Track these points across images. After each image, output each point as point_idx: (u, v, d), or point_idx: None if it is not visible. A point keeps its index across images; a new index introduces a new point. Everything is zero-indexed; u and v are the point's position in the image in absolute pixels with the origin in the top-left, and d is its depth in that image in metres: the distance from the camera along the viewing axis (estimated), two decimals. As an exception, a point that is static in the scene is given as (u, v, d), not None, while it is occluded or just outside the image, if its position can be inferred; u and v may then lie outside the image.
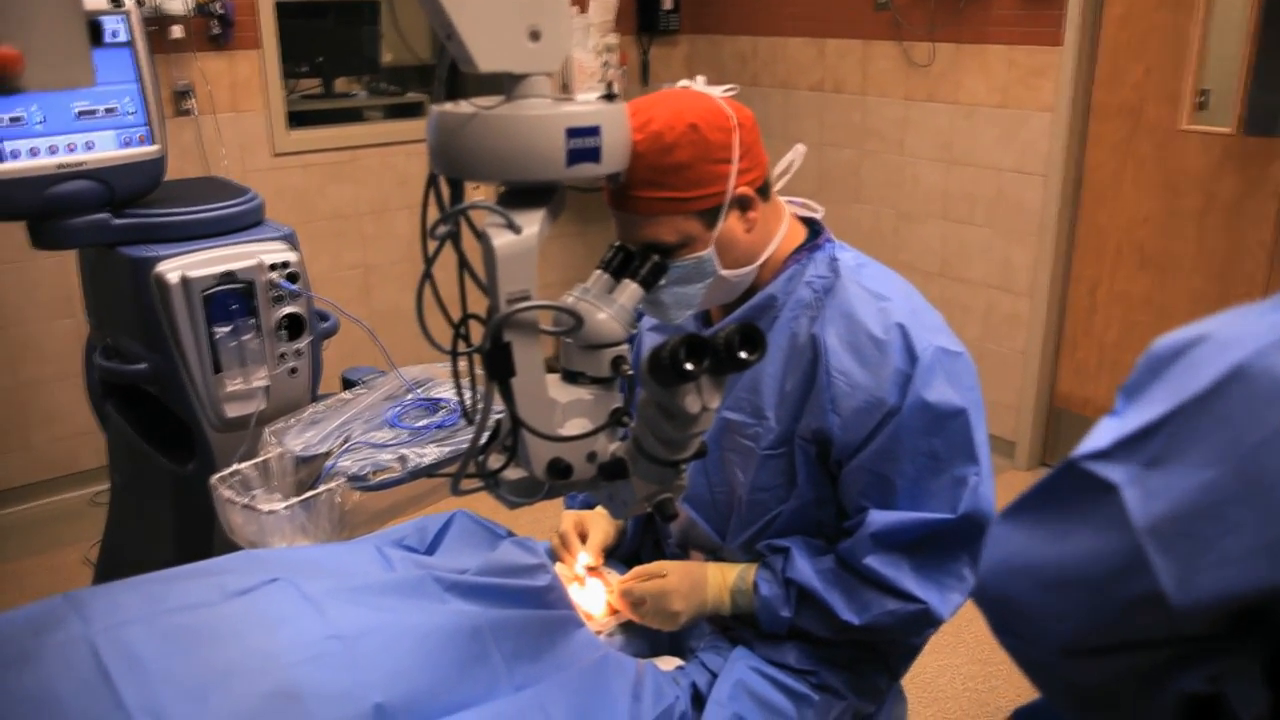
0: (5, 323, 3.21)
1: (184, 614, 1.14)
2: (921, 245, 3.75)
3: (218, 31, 3.32)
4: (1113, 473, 0.67)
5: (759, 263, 1.36)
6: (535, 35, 1.05)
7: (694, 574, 1.41)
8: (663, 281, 1.27)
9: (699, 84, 1.33)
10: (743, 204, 1.30)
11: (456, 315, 1.08)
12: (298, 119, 3.71)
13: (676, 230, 1.27)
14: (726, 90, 1.32)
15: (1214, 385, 0.64)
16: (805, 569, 1.35)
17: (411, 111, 4.11)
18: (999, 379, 3.59)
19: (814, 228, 1.43)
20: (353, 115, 4.07)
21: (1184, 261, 3.14)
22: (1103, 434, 0.70)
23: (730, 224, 1.29)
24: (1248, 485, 0.62)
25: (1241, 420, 0.62)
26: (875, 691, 1.45)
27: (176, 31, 3.21)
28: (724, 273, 1.32)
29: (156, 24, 3.17)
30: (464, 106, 1.05)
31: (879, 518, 1.30)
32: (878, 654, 1.45)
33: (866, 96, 3.83)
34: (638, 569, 1.45)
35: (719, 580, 1.40)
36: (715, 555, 1.48)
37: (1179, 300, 3.18)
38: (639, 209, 1.25)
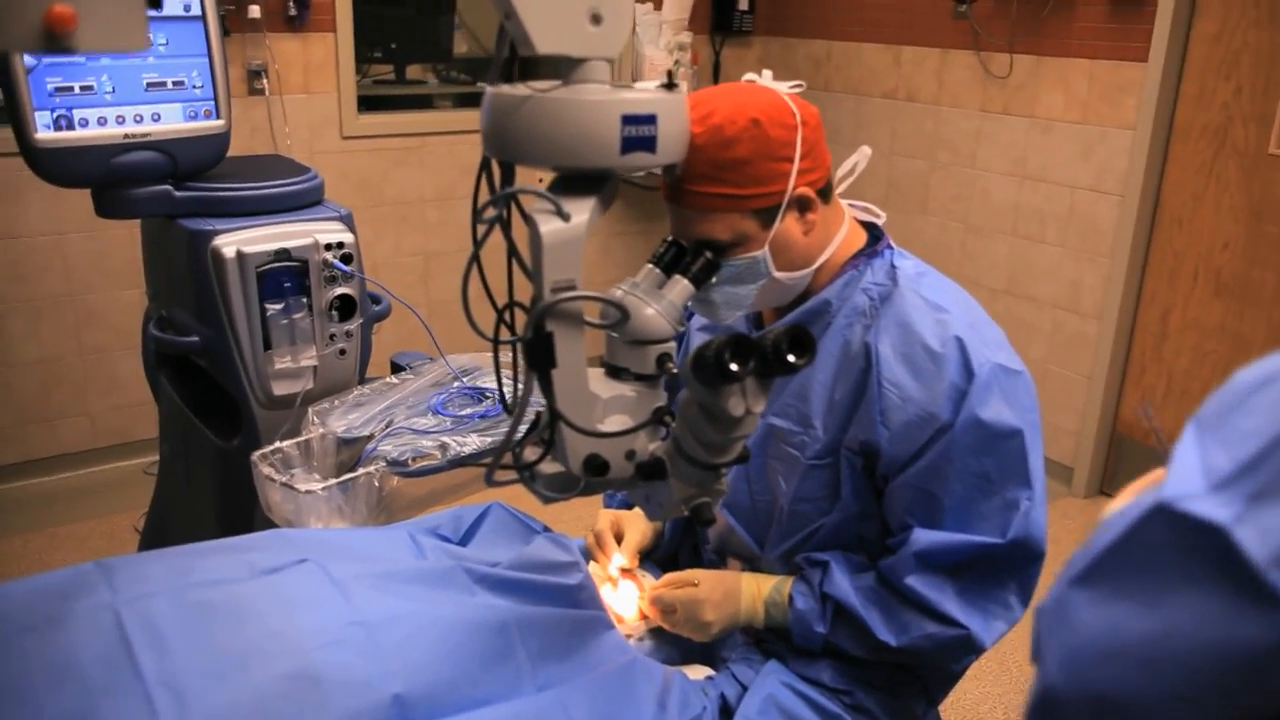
0: (74, 290, 3.27)
1: (209, 589, 1.13)
2: (989, 261, 3.66)
3: (294, 13, 3.36)
4: (1215, 511, 0.56)
5: (815, 266, 1.31)
6: (596, 19, 1.02)
7: (727, 583, 1.37)
8: (714, 280, 1.24)
9: (765, 79, 1.29)
10: (802, 205, 1.25)
11: (504, 303, 1.06)
12: (368, 103, 3.73)
13: (731, 228, 1.23)
14: (793, 87, 1.28)
15: None
16: (844, 585, 1.30)
17: (480, 102, 4.11)
18: (1061, 402, 3.48)
19: (874, 233, 1.38)
20: (423, 102, 4.09)
21: (1265, 291, 3.02)
22: (1188, 475, 0.59)
23: (787, 225, 1.25)
24: None
25: None
26: (911, 717, 1.40)
27: (254, 11, 3.25)
28: (778, 275, 1.28)
29: (235, 3, 3.21)
30: (519, 89, 1.02)
31: (924, 537, 1.24)
32: (916, 678, 1.39)
33: (940, 106, 3.75)
34: (670, 576, 1.42)
35: (753, 591, 1.36)
36: (753, 565, 1.44)
37: (1257, 330, 3.06)
38: (694, 204, 1.22)
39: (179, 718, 0.95)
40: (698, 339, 1.52)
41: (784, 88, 1.26)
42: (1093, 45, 3.23)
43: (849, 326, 1.31)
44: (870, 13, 3.93)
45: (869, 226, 1.38)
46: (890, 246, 1.36)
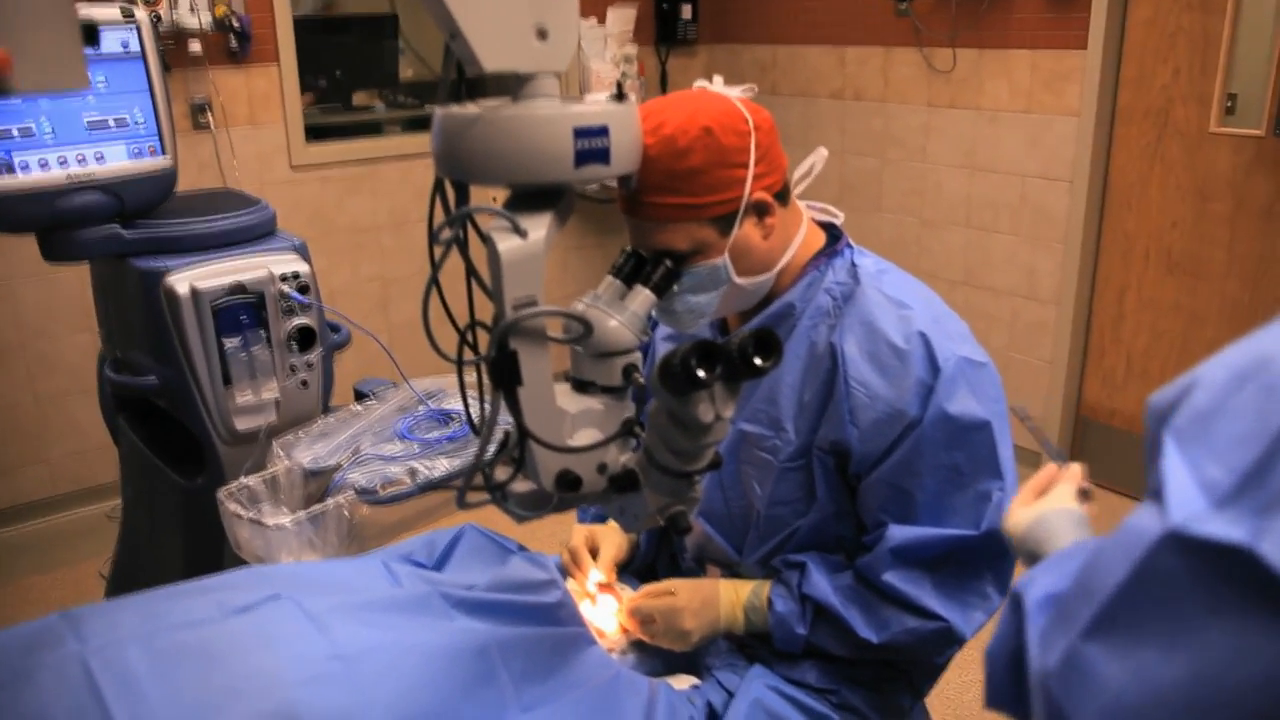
0: (26, 336, 3.21)
1: (182, 631, 1.11)
2: (945, 253, 3.69)
3: (235, 47, 3.32)
4: (1230, 530, 0.51)
5: (776, 270, 1.31)
6: (543, 34, 1.01)
7: (705, 591, 1.37)
8: (675, 289, 1.23)
9: (716, 84, 1.29)
10: (759, 210, 1.25)
11: (465, 323, 1.05)
12: (315, 133, 3.70)
13: (690, 237, 1.22)
14: (744, 90, 1.28)
15: None
16: (822, 584, 1.30)
17: (430, 124, 4.10)
18: (1025, 389, 3.52)
19: (833, 233, 1.38)
20: (371, 129, 4.07)
21: (1215, 267, 3.07)
22: (1186, 495, 0.54)
23: (746, 230, 1.25)
24: None
25: None
26: (898, 711, 1.40)
27: (194, 46, 3.21)
28: (739, 280, 1.27)
29: (174, 39, 3.17)
30: (469, 108, 1.02)
31: (899, 533, 1.25)
32: (900, 672, 1.40)
33: (887, 104, 3.78)
34: (647, 587, 1.41)
35: (731, 597, 1.36)
36: (732, 571, 1.44)
37: (1210, 306, 3.11)
38: (650, 215, 1.21)
39: (157, 767, 0.93)
40: (663, 348, 1.51)
41: (735, 93, 1.26)
42: (1033, 35, 3.28)
43: (814, 328, 1.31)
44: (813, 15, 3.96)
45: (827, 227, 1.39)
46: (850, 245, 1.36)
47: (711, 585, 1.38)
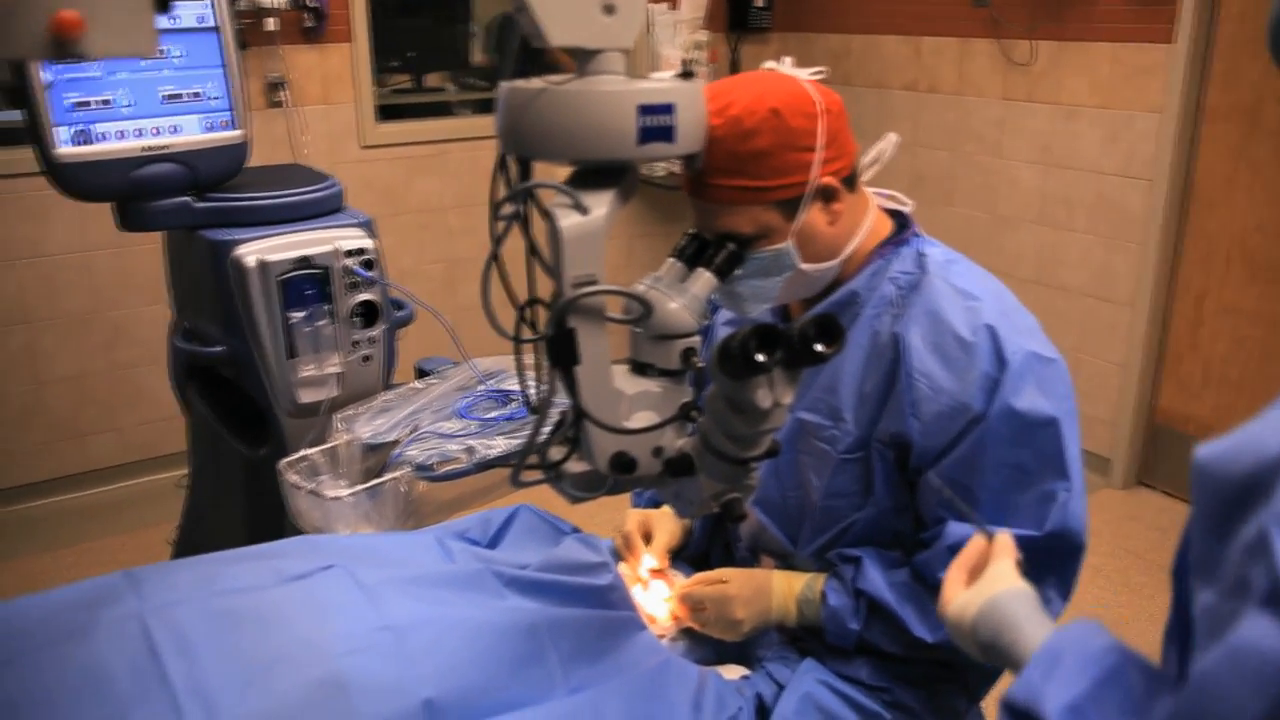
0: (101, 306, 3.29)
1: (236, 596, 1.12)
2: (1016, 250, 3.61)
3: (311, 25, 3.37)
4: None
5: (842, 257, 1.28)
6: (609, 9, 1.00)
7: (758, 581, 1.35)
8: (739, 273, 1.21)
9: (785, 65, 1.27)
10: (826, 195, 1.22)
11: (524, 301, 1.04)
12: (387, 112, 3.74)
13: (754, 221, 1.20)
14: (814, 74, 1.25)
15: None
16: (877, 580, 1.27)
17: (499, 106, 4.12)
18: (1095, 392, 3.43)
19: (900, 221, 1.35)
20: (441, 110, 4.10)
21: (1301, 273, 2.96)
22: None
23: (812, 215, 1.22)
24: None
25: None
26: (953, 713, 1.37)
27: (270, 24, 3.26)
28: (805, 267, 1.25)
29: (252, 17, 3.22)
30: (534, 82, 1.01)
31: (958, 530, 1.21)
32: (955, 673, 1.36)
33: (963, 97, 3.70)
34: (700, 575, 1.39)
35: (784, 589, 1.34)
36: (786, 563, 1.41)
37: (1294, 314, 3.00)
38: (715, 197, 1.19)
39: (207, 727, 0.94)
40: (723, 332, 1.50)
41: (805, 75, 1.24)
42: (1116, 28, 3.18)
43: (877, 317, 1.28)
44: (889, 4, 3.89)
45: (895, 215, 1.36)
46: (917, 234, 1.33)
47: (765, 575, 1.36)
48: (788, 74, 1.24)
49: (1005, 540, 1.01)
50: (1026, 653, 0.82)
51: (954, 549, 1.21)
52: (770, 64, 1.27)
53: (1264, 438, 0.52)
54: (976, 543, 1.03)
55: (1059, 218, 3.46)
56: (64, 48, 0.85)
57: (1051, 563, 1.22)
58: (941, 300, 1.25)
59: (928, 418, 1.22)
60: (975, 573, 0.99)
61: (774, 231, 1.21)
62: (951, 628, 0.98)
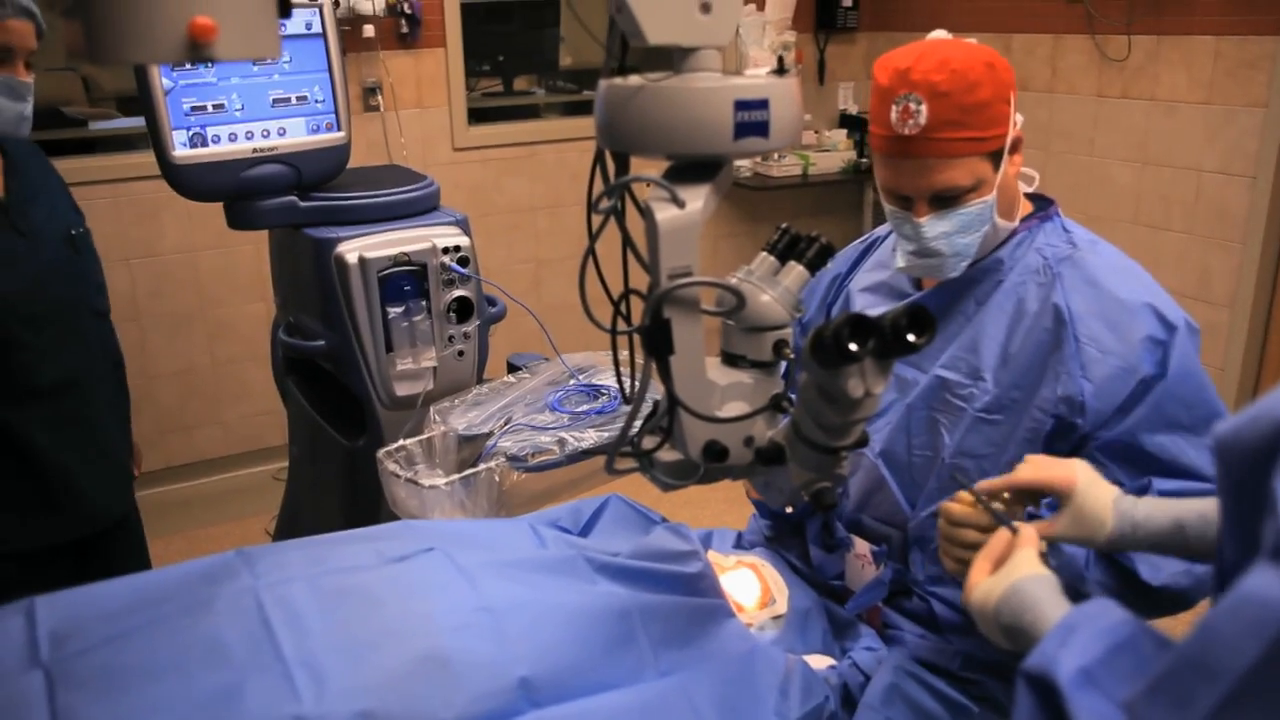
0: (206, 303, 3.43)
1: (343, 575, 1.17)
2: (1111, 251, 3.53)
3: (406, 31, 3.46)
4: None
5: (1017, 219, 1.37)
6: (705, 7, 1.02)
7: None
8: (944, 229, 1.30)
9: (943, 34, 1.36)
10: (1015, 146, 1.32)
11: (619, 295, 1.07)
12: (478, 115, 3.82)
13: (972, 172, 1.29)
14: (972, 41, 1.34)
15: None
16: None
17: (588, 109, 4.18)
18: (1193, 395, 3.34)
19: (1041, 199, 1.43)
20: (531, 112, 4.17)
21: None
22: None
23: (1006, 168, 1.32)
24: None
25: None
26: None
27: (368, 31, 3.36)
28: (999, 221, 1.33)
29: (350, 24, 3.33)
30: (632, 80, 1.04)
31: (1163, 484, 1.25)
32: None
33: (1055, 94, 3.64)
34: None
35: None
36: (892, 537, 1.40)
37: None
38: (940, 151, 1.27)
39: (318, 695, 0.99)
40: (860, 301, 1.51)
41: (970, 42, 1.33)
42: (1218, 21, 3.09)
43: (1022, 284, 1.35)
44: (978, 2, 3.84)
45: (1031, 197, 1.43)
46: (1059, 213, 1.41)
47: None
48: (959, 39, 1.32)
49: (1029, 531, 1.05)
50: (1046, 631, 0.84)
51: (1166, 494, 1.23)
52: (939, 33, 1.36)
53: (1274, 407, 0.54)
54: (1001, 535, 1.06)
55: (1155, 217, 3.38)
56: (198, 51, 0.90)
57: None
58: (1099, 273, 1.32)
59: (1099, 379, 1.27)
60: (999, 563, 1.03)
61: (984, 184, 1.30)
62: (976, 613, 1.01)
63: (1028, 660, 0.77)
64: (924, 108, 1.24)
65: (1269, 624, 0.50)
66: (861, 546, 1.45)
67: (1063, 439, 1.28)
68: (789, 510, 1.54)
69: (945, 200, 1.29)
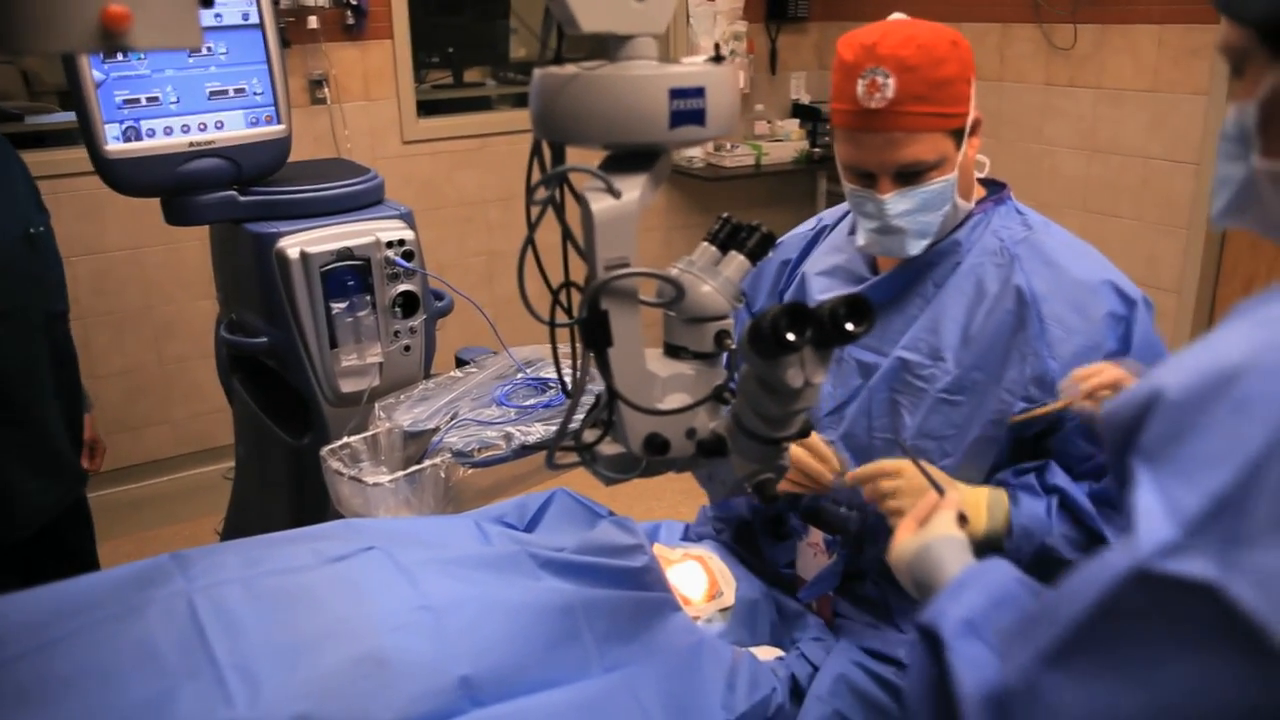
0: (153, 301, 3.37)
1: (280, 577, 1.15)
2: (1060, 238, 3.57)
3: (352, 22, 3.41)
4: (1199, 566, 0.51)
5: (972, 200, 1.39)
6: (640, -6, 1.01)
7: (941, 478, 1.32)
8: (906, 206, 1.31)
9: (903, 16, 1.38)
10: (974, 129, 1.34)
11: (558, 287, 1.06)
12: (427, 108, 3.78)
13: (935, 148, 1.30)
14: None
15: None
16: (1065, 480, 1.28)
17: (538, 100, 4.15)
18: (1141, 380, 3.39)
19: (994, 183, 1.45)
20: (481, 104, 4.13)
21: (1353, 256, 2.90)
22: (1155, 523, 0.54)
23: (966, 149, 1.33)
24: None
25: None
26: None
27: (312, 22, 3.31)
28: (958, 201, 1.35)
29: (295, 15, 3.28)
30: (567, 68, 1.02)
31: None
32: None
33: (1004, 83, 3.66)
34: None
35: (969, 493, 1.28)
36: (850, 520, 1.39)
37: (1347, 298, 2.94)
38: (907, 125, 1.28)
39: (252, 699, 0.97)
40: (818, 284, 1.51)
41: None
42: (1161, 9, 3.13)
43: (980, 265, 1.37)
44: (928, -9, 3.86)
45: (984, 182, 1.45)
46: (1011, 196, 1.43)
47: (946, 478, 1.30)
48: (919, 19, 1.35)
49: (952, 496, 1.10)
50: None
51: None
52: (898, 15, 1.39)
53: (1138, 388, 0.59)
54: (929, 498, 1.11)
55: (1103, 204, 3.42)
56: (112, 40, 0.87)
57: None
58: (1056, 254, 1.34)
59: (1065, 358, 1.28)
60: (923, 523, 1.09)
61: (946, 161, 1.31)
62: (894, 567, 1.07)
63: (920, 614, 0.83)
64: (891, 81, 1.26)
65: (1103, 580, 0.55)
66: (815, 535, 1.45)
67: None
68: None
69: (908, 176, 1.31)
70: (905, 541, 1.06)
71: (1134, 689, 0.53)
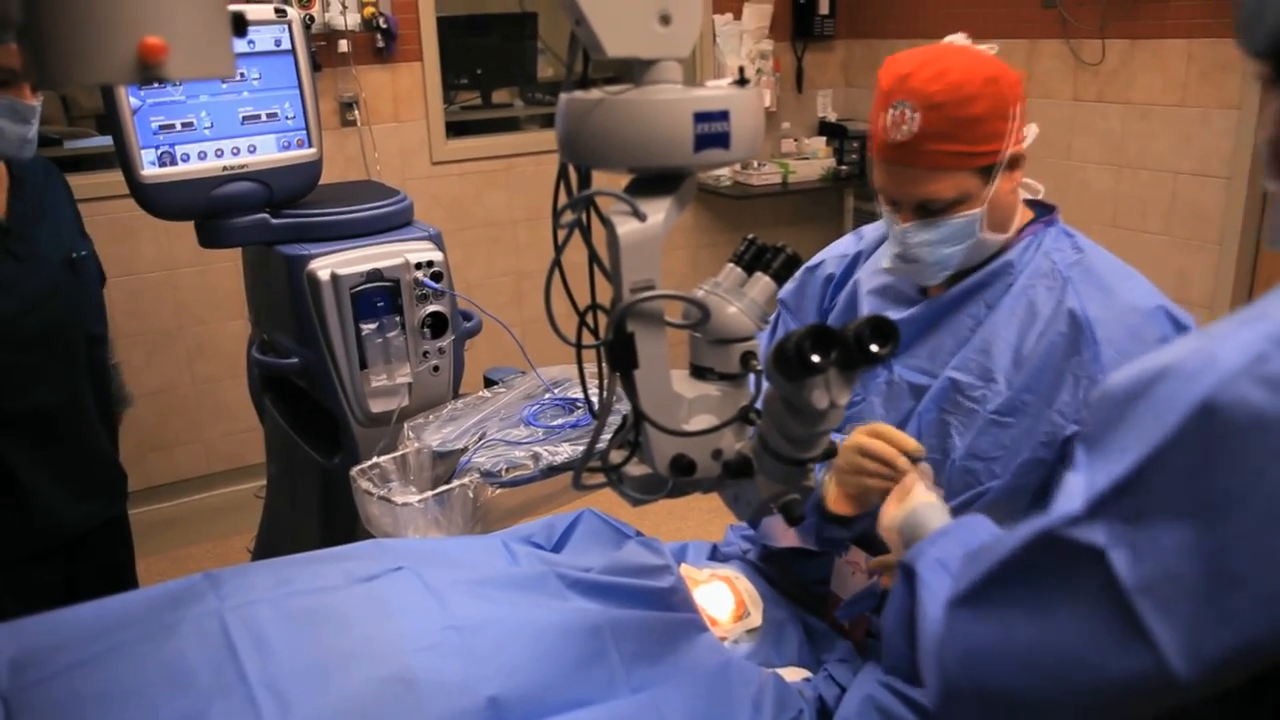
0: (185, 322, 3.41)
1: (310, 596, 1.16)
2: (1089, 254, 3.55)
3: (382, 45, 3.46)
4: (1094, 535, 0.62)
5: (1012, 230, 1.37)
6: (665, 19, 1.02)
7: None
8: (927, 237, 1.31)
9: (961, 39, 1.35)
10: (1014, 163, 1.32)
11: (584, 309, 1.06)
12: (456, 129, 3.81)
13: (957, 186, 1.29)
14: (989, 47, 1.34)
15: (1183, 426, 0.59)
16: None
17: (565, 121, 4.17)
18: (1174, 397, 3.35)
19: (1042, 205, 1.44)
20: (509, 125, 4.16)
21: (1390, 271, 2.86)
22: (1073, 495, 0.64)
23: (1001, 184, 1.31)
24: (1242, 532, 0.57)
25: (1221, 462, 0.58)
26: None
27: (343, 45, 3.35)
28: (986, 235, 1.33)
29: (325, 39, 3.32)
30: (593, 93, 1.03)
31: None
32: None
33: (1032, 99, 3.63)
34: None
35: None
36: (872, 548, 1.38)
37: (1384, 314, 2.90)
38: (927, 162, 1.27)
39: (282, 718, 0.98)
40: (869, 304, 1.50)
41: (986, 48, 1.32)
42: (1190, 24, 3.11)
43: (1032, 287, 1.35)
44: (954, 7, 3.86)
45: (1032, 203, 1.44)
46: (1059, 219, 1.42)
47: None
48: (972, 47, 1.31)
49: (925, 468, 1.22)
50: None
51: None
52: (952, 37, 1.35)
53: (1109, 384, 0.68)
54: (910, 477, 1.21)
55: (1133, 219, 3.39)
56: (149, 71, 0.89)
57: None
58: (1109, 277, 1.34)
59: None
60: (905, 495, 1.19)
61: (970, 198, 1.30)
62: (884, 535, 1.17)
63: (903, 555, 0.96)
64: (917, 116, 1.25)
65: (1020, 538, 0.67)
66: (855, 553, 1.44)
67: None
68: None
69: (929, 210, 1.30)
70: (892, 512, 1.17)
71: (1027, 625, 0.65)
